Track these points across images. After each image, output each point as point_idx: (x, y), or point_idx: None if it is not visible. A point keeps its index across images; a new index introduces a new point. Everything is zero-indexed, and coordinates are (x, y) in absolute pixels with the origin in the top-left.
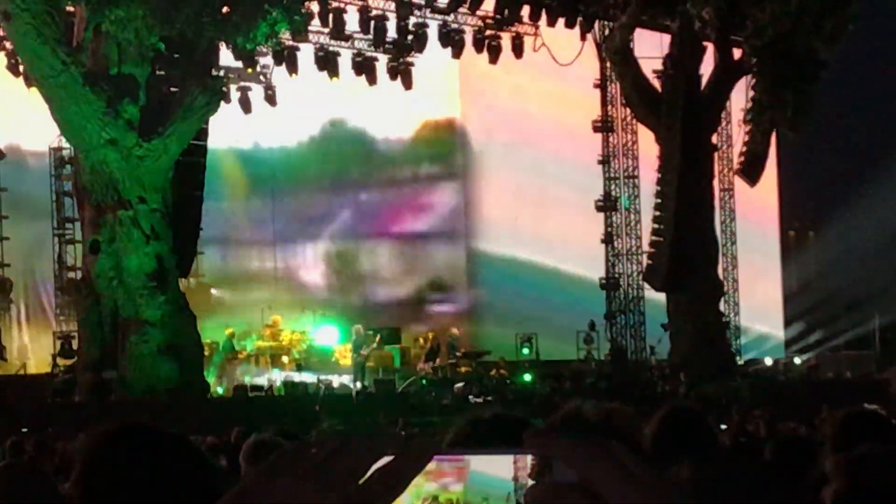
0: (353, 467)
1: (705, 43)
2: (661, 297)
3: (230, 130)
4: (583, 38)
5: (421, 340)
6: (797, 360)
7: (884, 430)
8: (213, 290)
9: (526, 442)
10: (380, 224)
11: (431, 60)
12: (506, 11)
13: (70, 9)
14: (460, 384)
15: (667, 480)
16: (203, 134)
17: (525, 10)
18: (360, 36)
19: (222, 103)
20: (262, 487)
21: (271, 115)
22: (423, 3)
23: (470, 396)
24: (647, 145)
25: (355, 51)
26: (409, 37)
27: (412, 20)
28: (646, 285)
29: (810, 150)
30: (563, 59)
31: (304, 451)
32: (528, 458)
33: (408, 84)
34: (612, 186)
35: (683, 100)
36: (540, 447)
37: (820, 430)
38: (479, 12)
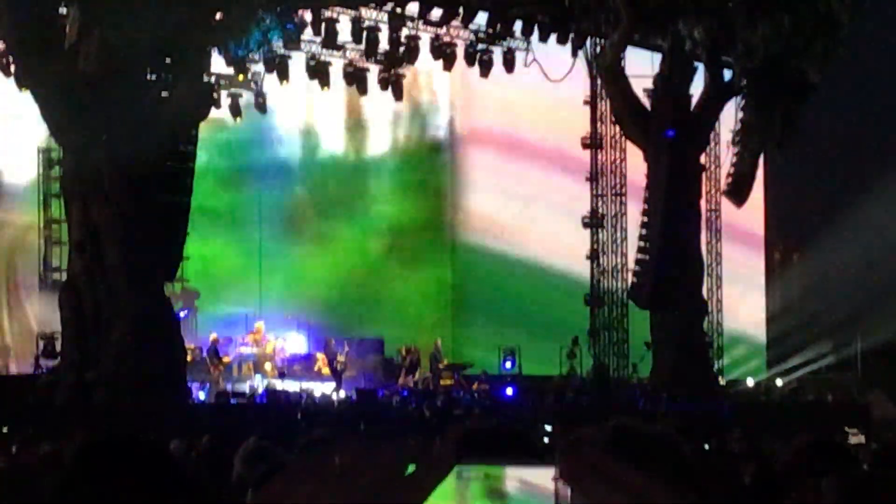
0: (376, 475)
1: (696, 63)
2: (645, 314)
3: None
4: (574, 54)
5: (403, 351)
6: (779, 382)
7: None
8: (196, 295)
9: (570, 461)
10: (363, 235)
11: (422, 72)
12: (498, 26)
13: (62, 10)
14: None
15: None
16: (192, 139)
17: (517, 25)
18: (353, 46)
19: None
20: (288, 493)
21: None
22: (415, 15)
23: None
24: (636, 163)
25: (347, 61)
26: (401, 48)
27: (404, 32)
28: (630, 303)
29: (797, 173)
30: (554, 75)
31: (328, 457)
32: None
33: (399, 95)
34: (600, 203)
35: (672, 119)
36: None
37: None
38: (471, 26)
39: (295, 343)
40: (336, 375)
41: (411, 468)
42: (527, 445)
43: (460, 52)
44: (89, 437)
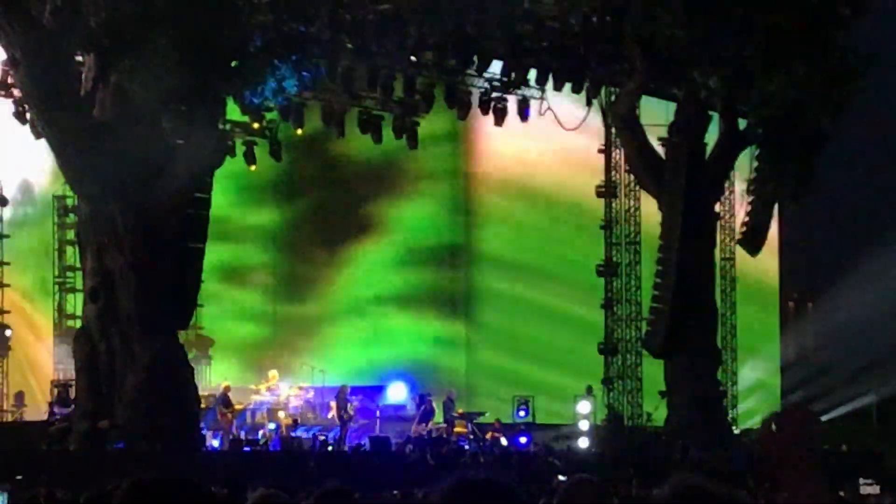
0: None
1: (710, 112)
2: (659, 363)
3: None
4: (588, 103)
5: (416, 400)
6: None
7: None
8: (211, 342)
9: None
10: (380, 287)
11: (437, 121)
12: (513, 74)
13: (78, 58)
14: None
15: None
16: (207, 186)
17: (532, 74)
18: (368, 94)
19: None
20: None
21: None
22: (430, 63)
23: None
24: (650, 211)
25: (362, 108)
26: (416, 96)
27: (419, 80)
28: (644, 351)
29: (811, 222)
30: (569, 123)
31: None
32: None
33: (413, 143)
34: (614, 252)
35: (687, 168)
36: None
37: None
38: (485, 74)
39: (311, 391)
40: (343, 423)
41: None
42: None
43: (475, 100)
44: (138, 478)
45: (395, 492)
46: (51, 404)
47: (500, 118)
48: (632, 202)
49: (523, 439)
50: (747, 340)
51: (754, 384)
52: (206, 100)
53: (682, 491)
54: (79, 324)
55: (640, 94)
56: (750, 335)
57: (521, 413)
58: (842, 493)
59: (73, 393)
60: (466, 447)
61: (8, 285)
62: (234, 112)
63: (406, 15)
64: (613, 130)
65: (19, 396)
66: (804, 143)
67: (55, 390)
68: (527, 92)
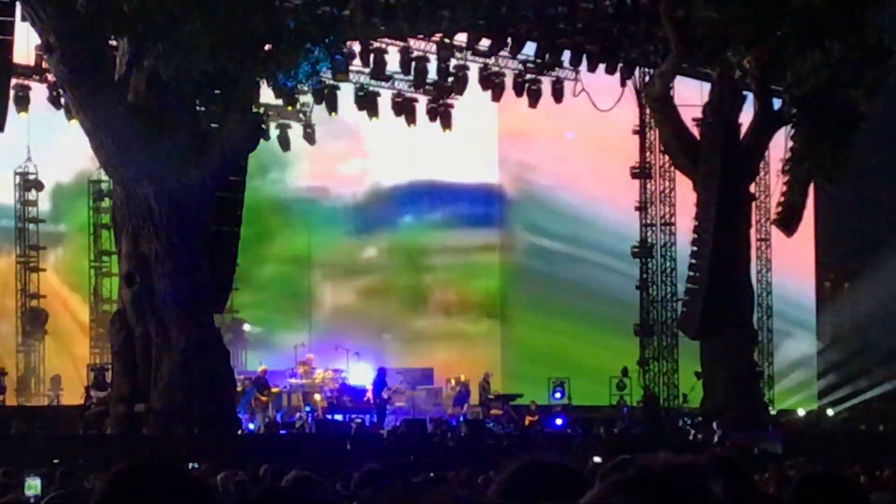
0: None
1: (745, 92)
2: (695, 344)
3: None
4: (623, 84)
5: (452, 382)
6: (830, 412)
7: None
8: (246, 326)
9: None
10: (414, 264)
11: (471, 103)
12: (547, 56)
13: (112, 42)
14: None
15: None
16: (241, 170)
17: (566, 56)
18: (401, 76)
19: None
20: None
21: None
22: (464, 45)
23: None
24: (685, 192)
25: (395, 91)
26: (450, 78)
27: (453, 62)
28: (680, 333)
29: (847, 202)
30: (603, 104)
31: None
32: None
33: (447, 125)
34: (649, 233)
35: (722, 148)
36: None
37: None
38: (519, 56)
39: (352, 374)
40: (380, 407)
41: None
42: (579, 483)
43: (509, 82)
44: (121, 465)
45: (430, 474)
46: (87, 388)
47: (534, 100)
48: (667, 183)
49: (559, 421)
50: (783, 321)
51: (791, 365)
52: (239, 84)
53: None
54: (114, 308)
55: (674, 75)
56: (786, 316)
57: (557, 395)
58: (878, 474)
59: (109, 377)
60: (495, 429)
61: (44, 269)
62: (267, 96)
63: None
64: (648, 111)
65: (56, 380)
66: (839, 122)
67: (91, 374)
68: (561, 73)
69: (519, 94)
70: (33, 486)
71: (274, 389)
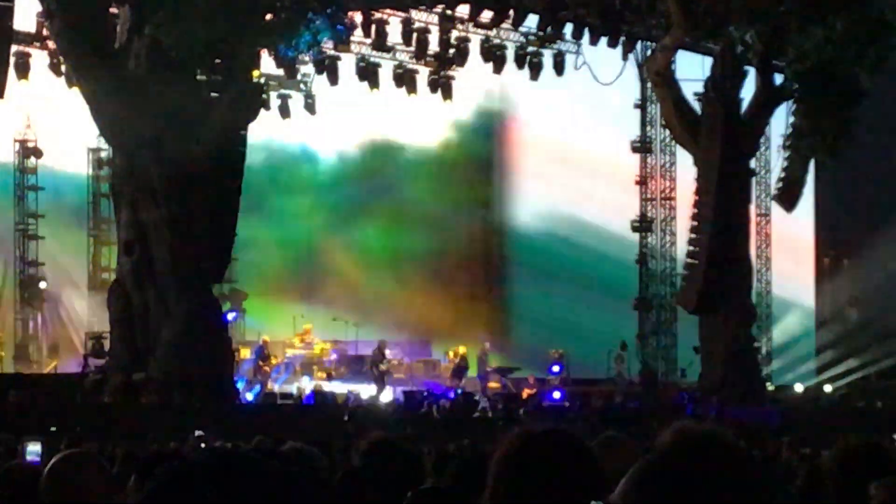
0: None
1: (747, 67)
2: (693, 319)
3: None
4: (624, 58)
5: (451, 354)
6: (828, 388)
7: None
8: (244, 296)
9: None
10: (412, 239)
11: (472, 75)
12: (548, 29)
13: (113, 10)
14: None
15: None
16: (241, 139)
17: (568, 28)
18: (402, 48)
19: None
20: None
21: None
22: (465, 17)
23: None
24: (685, 167)
25: (396, 62)
26: (451, 50)
27: (454, 34)
28: (679, 307)
29: (848, 178)
30: (604, 78)
31: None
32: None
33: (447, 96)
34: (649, 207)
35: (723, 123)
36: None
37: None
38: (521, 28)
39: (346, 345)
40: (379, 378)
41: None
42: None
43: (510, 54)
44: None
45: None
46: (85, 356)
47: (535, 72)
48: (667, 157)
49: (557, 394)
50: (782, 297)
51: (789, 341)
52: (240, 53)
53: (683, 437)
54: (113, 276)
55: (676, 49)
56: (785, 292)
57: (556, 368)
58: None
59: (107, 345)
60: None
61: (42, 237)
62: (268, 66)
63: None
64: (649, 85)
65: (54, 348)
66: (841, 98)
67: (90, 342)
68: (562, 46)
69: (520, 66)
70: (34, 451)
71: (273, 360)
